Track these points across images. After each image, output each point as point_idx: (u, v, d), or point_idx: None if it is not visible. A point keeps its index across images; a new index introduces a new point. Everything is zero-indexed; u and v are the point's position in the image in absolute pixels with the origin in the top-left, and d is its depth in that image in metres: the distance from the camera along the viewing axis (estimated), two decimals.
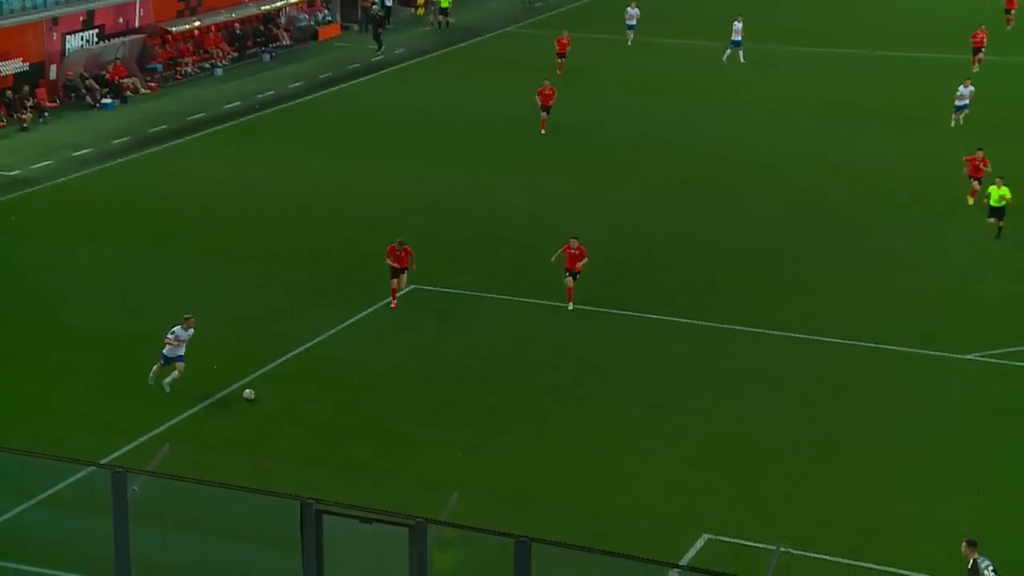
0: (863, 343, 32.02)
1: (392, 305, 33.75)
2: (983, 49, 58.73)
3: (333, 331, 32.94)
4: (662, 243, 39.50)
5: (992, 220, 38.24)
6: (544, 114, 50.22)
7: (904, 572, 22.59)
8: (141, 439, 27.08)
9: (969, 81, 50.86)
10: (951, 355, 31.40)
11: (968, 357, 31.36)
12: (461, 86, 59.35)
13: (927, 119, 52.05)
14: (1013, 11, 68.85)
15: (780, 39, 66.44)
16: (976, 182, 40.69)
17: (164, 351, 28.83)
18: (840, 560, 22.96)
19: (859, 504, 25.30)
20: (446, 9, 71.38)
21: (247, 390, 28.72)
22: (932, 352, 31.50)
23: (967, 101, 50.12)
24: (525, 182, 45.26)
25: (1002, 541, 23.66)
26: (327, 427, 28.18)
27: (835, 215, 41.62)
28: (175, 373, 28.81)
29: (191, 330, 28.81)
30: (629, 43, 65.34)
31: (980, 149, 40.99)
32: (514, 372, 30.95)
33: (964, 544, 20.35)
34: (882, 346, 31.87)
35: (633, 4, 65.86)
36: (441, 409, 29.13)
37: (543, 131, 49.85)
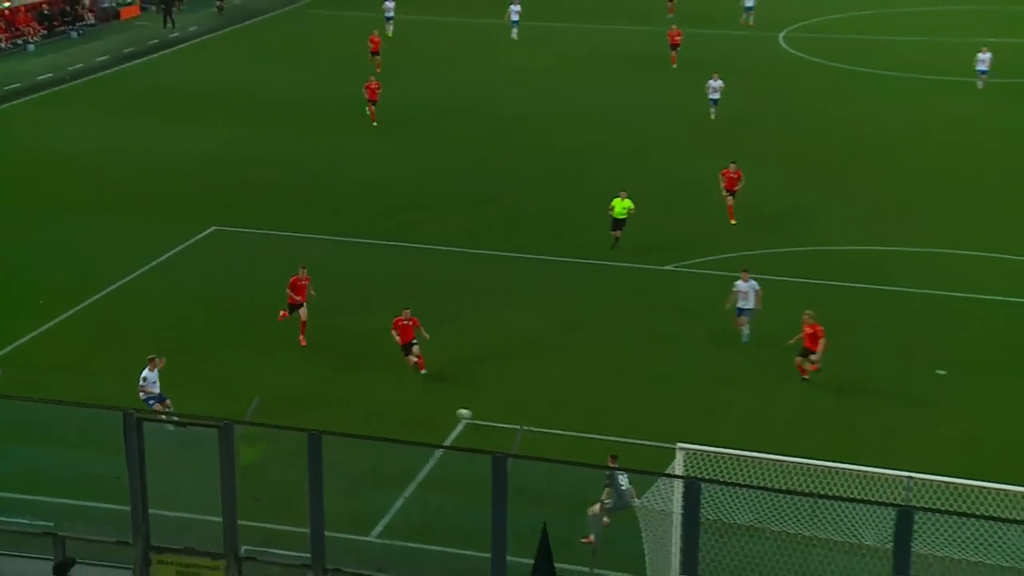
0: (585, 260, 32.77)
1: (302, 343, 27.73)
2: (679, 46, 54.21)
3: (147, 267, 31.97)
4: (427, 185, 39.39)
5: (616, 233, 32.88)
6: (371, 107, 45.47)
7: (622, 440, 23.36)
8: None
9: (718, 75, 46.09)
10: (653, 267, 32.49)
11: (666, 268, 32.53)
12: (250, 59, 57.75)
13: (643, 79, 53.10)
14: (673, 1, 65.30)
15: (551, 17, 65.25)
16: (730, 196, 34.81)
17: (143, 399, 23.24)
18: (571, 434, 23.65)
19: (586, 390, 26.08)
20: None
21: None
22: (638, 265, 32.49)
23: (718, 95, 45.68)
24: (314, 139, 44.38)
25: (688, 421, 24.64)
26: (145, 349, 27.32)
27: (565, 156, 42.16)
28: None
29: (156, 370, 23.60)
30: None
31: (733, 162, 35.26)
32: None
33: (609, 457, 20.23)
34: (599, 262, 32.70)
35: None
36: (244, 331, 28.66)
37: (374, 124, 45.55)
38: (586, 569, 17.27)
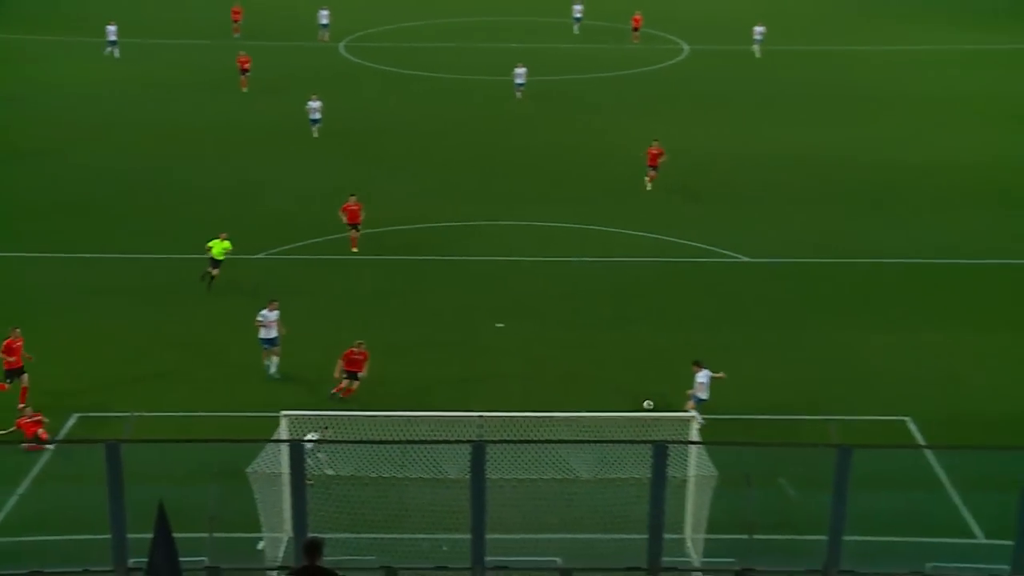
0: (180, 256, 31.38)
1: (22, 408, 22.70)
2: (248, 71, 51.05)
3: None
4: (19, 194, 36.27)
5: (214, 272, 29.34)
6: None
7: (230, 414, 22.75)
8: None
9: (316, 96, 43.93)
10: (245, 256, 31.49)
11: (258, 256, 31.94)
12: None
13: (225, 94, 51.34)
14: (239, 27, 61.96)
15: (144, 35, 60.76)
16: (355, 229, 32.17)
17: None
18: (181, 414, 22.71)
19: (191, 371, 25.10)
20: None
21: None
22: (231, 256, 31.17)
23: (319, 115, 43.33)
24: None
25: (292, 390, 24.41)
26: None
27: (150, 162, 40.15)
28: None
29: None
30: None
31: (353, 195, 32.55)
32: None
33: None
34: (193, 256, 30.98)
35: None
36: None
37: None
38: (205, 535, 16.74)
